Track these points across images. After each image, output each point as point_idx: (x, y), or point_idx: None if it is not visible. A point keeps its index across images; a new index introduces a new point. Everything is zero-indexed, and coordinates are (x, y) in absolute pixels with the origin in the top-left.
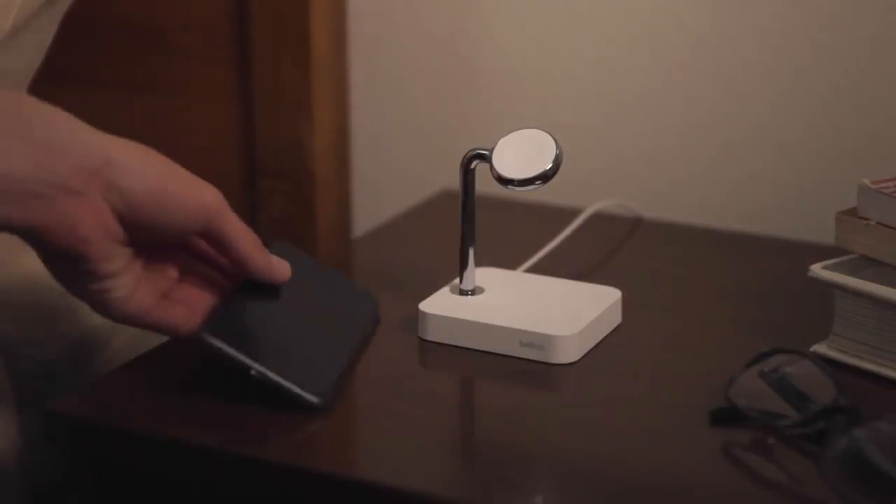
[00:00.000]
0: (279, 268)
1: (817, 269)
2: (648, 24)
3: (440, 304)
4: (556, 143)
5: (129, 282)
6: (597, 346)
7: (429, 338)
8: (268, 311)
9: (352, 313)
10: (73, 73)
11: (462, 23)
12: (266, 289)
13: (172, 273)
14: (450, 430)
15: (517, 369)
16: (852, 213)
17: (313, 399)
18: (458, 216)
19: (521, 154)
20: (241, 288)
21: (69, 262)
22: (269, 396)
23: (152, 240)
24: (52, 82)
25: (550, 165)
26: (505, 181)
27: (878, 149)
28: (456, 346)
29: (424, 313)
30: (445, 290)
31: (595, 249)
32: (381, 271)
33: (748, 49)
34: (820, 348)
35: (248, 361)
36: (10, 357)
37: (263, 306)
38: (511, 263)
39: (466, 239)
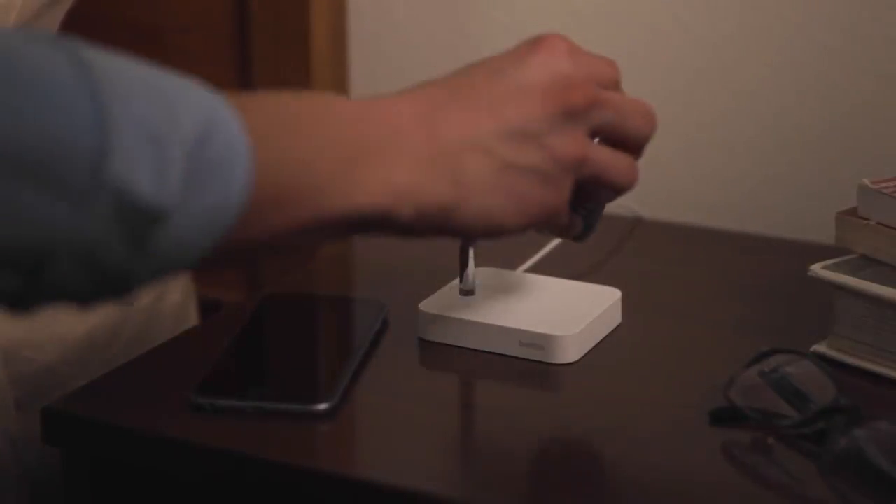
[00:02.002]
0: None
1: (817, 269)
2: (648, 24)
3: (440, 304)
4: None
5: None
6: (597, 346)
7: (429, 338)
8: (264, 350)
9: (360, 321)
10: None
11: (462, 23)
12: (264, 333)
13: None
14: (450, 430)
15: (517, 369)
16: (852, 213)
17: (319, 407)
18: None
19: None
20: (235, 340)
21: None
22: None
23: None
24: None
25: None
26: None
27: (878, 149)
28: (456, 346)
29: (424, 313)
30: (445, 290)
31: (595, 249)
32: (381, 271)
33: (748, 49)
34: (820, 348)
35: (241, 405)
36: (10, 359)
37: (260, 348)
38: (511, 263)
39: (466, 239)
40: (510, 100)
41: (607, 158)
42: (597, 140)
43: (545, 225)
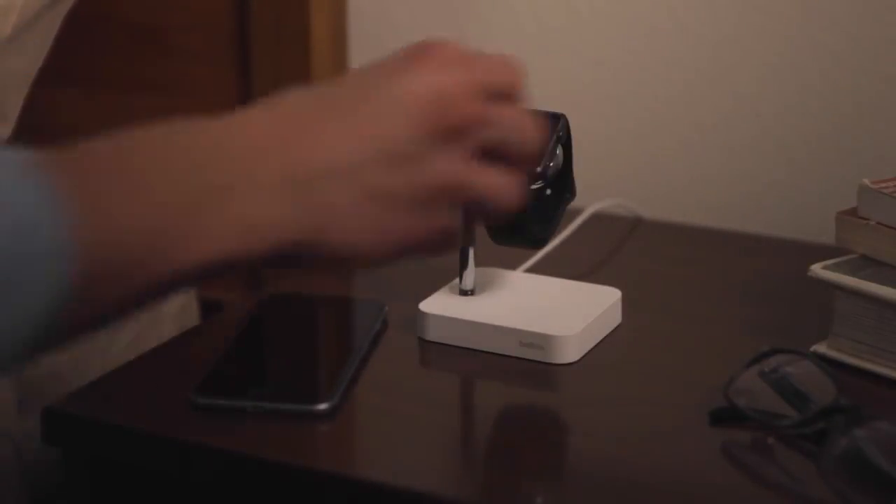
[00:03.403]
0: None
1: (817, 269)
2: (648, 24)
3: (440, 304)
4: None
5: None
6: (597, 346)
7: (429, 338)
8: (264, 349)
9: (360, 322)
10: (73, 74)
11: (462, 23)
12: (264, 333)
13: None
14: (450, 430)
15: (517, 369)
16: (852, 213)
17: (319, 407)
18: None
19: None
20: (235, 340)
21: None
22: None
23: None
24: (53, 83)
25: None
26: None
27: (878, 149)
28: (456, 346)
29: (424, 313)
30: (445, 290)
31: (595, 249)
32: (382, 271)
33: (748, 49)
34: (820, 348)
35: (242, 405)
36: None
37: (260, 348)
38: (511, 263)
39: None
40: (381, 118)
41: (487, 181)
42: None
43: (427, 253)
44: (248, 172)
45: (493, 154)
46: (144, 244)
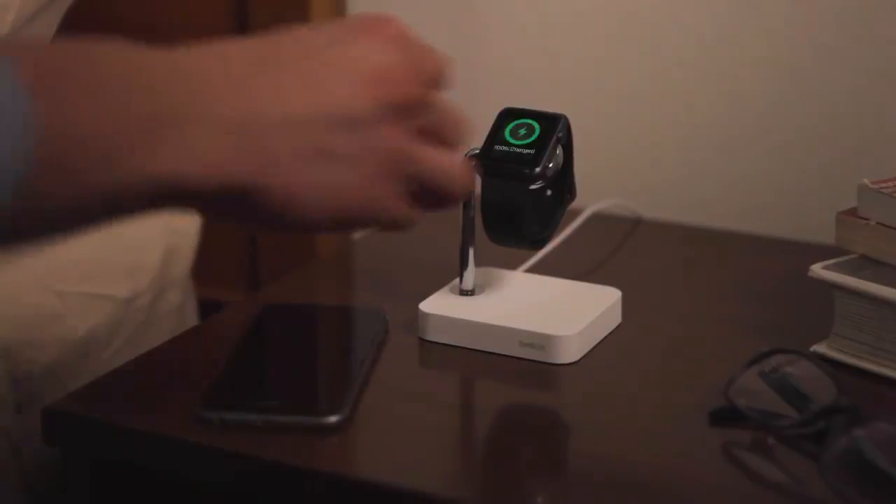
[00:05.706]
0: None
1: (817, 269)
2: (648, 24)
3: (440, 304)
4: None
5: None
6: (597, 346)
7: (429, 338)
8: (268, 361)
9: (362, 332)
10: None
11: (461, 23)
12: (265, 343)
13: None
14: (450, 430)
15: (517, 369)
16: (852, 213)
17: (330, 419)
18: (459, 216)
19: None
20: (237, 350)
21: None
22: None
23: None
24: None
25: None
26: None
27: (878, 149)
28: (456, 346)
29: (424, 313)
30: (445, 290)
31: (595, 249)
32: (381, 271)
33: (748, 49)
34: (820, 348)
35: (251, 418)
36: (10, 358)
37: (263, 359)
38: (511, 263)
39: (466, 239)
40: (328, 81)
41: (434, 157)
42: None
43: (373, 224)
44: (206, 107)
45: (428, 138)
46: (98, 148)
